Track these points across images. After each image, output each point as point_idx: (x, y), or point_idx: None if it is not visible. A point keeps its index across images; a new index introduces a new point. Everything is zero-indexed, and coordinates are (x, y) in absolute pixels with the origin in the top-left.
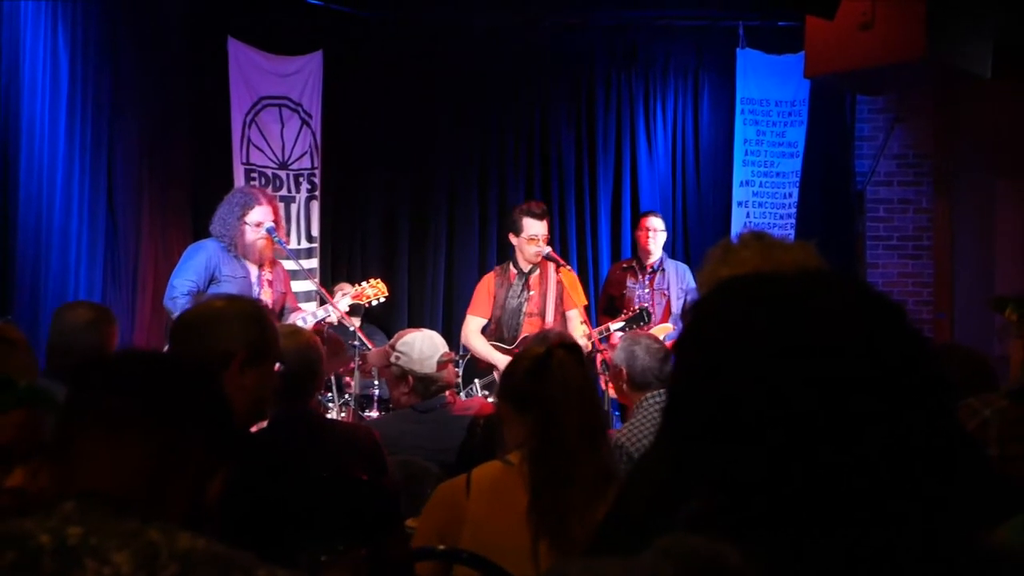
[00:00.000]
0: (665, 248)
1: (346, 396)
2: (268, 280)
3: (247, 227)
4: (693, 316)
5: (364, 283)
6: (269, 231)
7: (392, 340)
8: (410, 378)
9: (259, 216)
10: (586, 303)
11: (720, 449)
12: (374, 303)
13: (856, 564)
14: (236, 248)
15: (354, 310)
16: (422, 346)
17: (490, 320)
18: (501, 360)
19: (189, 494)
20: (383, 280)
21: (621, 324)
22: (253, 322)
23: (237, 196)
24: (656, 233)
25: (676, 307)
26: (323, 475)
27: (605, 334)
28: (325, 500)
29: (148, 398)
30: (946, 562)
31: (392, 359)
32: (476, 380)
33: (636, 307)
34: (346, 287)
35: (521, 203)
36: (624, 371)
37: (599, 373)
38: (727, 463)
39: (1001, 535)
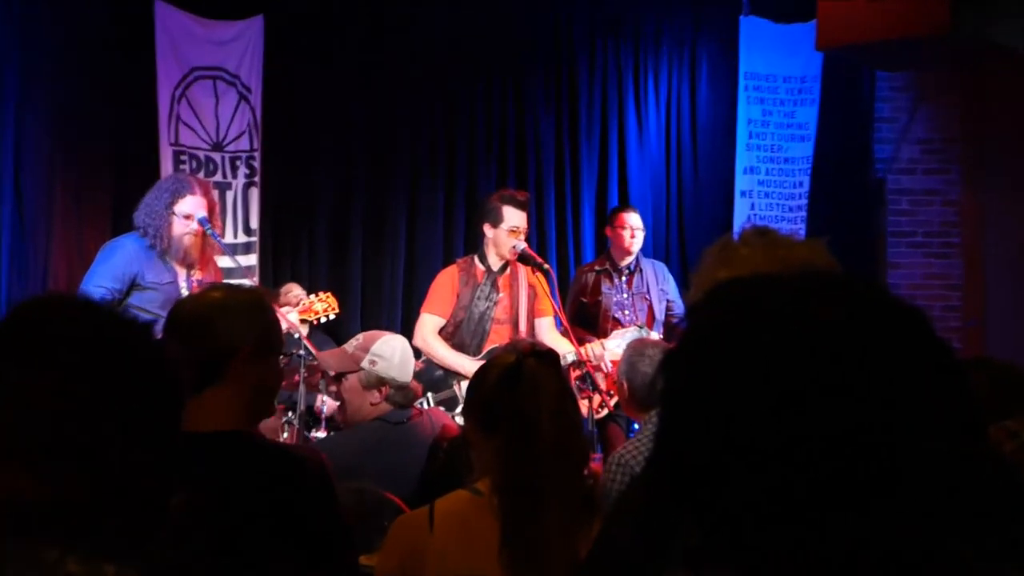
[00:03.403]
0: (657, 245)
1: (288, 414)
2: (197, 282)
3: (175, 218)
4: (686, 329)
5: (312, 296)
6: (201, 221)
7: (359, 343)
8: (386, 387)
9: (189, 207)
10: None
11: (718, 479)
12: (323, 320)
13: None
14: (161, 242)
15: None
16: (404, 351)
17: (449, 322)
18: (471, 369)
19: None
20: (333, 281)
21: (618, 341)
22: (258, 313)
23: (168, 182)
24: (638, 232)
25: (659, 311)
26: (265, 506)
27: (599, 349)
28: (268, 535)
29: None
30: None
31: (365, 364)
32: (430, 394)
33: (633, 323)
34: (295, 288)
35: (496, 190)
36: (626, 386)
37: (579, 388)
38: (726, 494)
39: None
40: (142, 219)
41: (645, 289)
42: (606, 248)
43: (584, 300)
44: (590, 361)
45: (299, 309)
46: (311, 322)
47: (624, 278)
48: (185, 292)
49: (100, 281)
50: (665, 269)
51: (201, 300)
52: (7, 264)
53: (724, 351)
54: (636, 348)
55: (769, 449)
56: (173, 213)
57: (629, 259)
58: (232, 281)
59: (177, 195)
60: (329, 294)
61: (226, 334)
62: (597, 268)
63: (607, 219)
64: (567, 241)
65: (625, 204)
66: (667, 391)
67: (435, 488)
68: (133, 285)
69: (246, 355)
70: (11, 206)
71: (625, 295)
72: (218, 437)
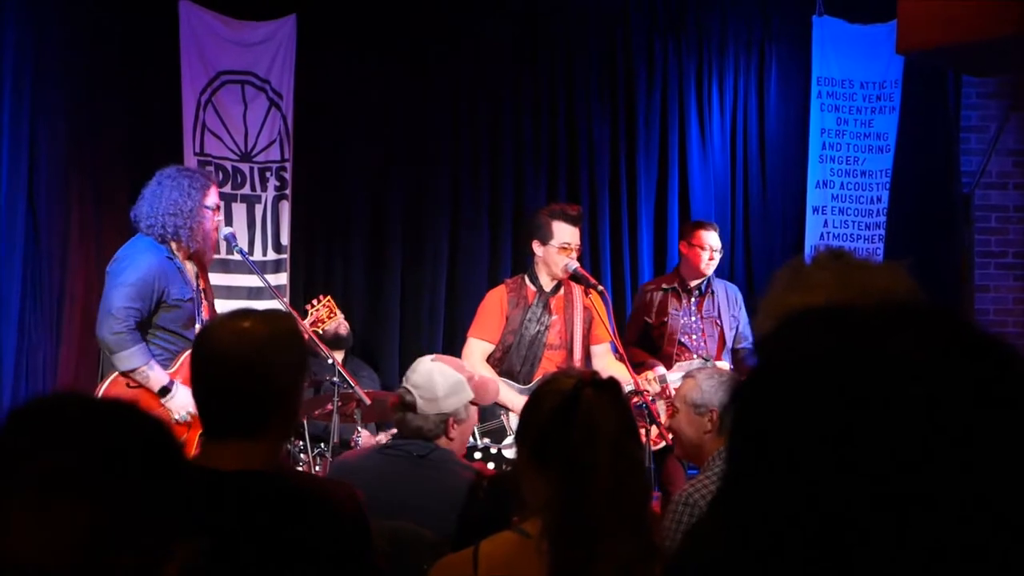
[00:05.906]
0: (720, 266)
1: (321, 446)
2: (204, 291)
3: (207, 212)
4: (758, 363)
5: (316, 304)
6: (228, 238)
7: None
8: None
9: (215, 198)
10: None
11: (792, 524)
12: (329, 329)
13: None
14: (195, 243)
15: (333, 343)
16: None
17: (497, 347)
18: (518, 401)
19: (139, 571)
20: (369, 301)
21: (679, 375)
22: (303, 346)
23: (184, 179)
24: (716, 253)
25: (730, 339)
26: (291, 552)
27: (661, 383)
28: None
29: (91, 455)
30: None
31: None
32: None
33: (700, 351)
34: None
35: (546, 205)
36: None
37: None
38: (803, 543)
39: None
40: (171, 222)
41: (716, 313)
42: (676, 264)
43: (648, 320)
44: (647, 391)
45: (309, 323)
46: (319, 333)
47: (694, 300)
48: (198, 304)
49: (131, 301)
50: (738, 293)
51: (245, 335)
52: (20, 278)
53: (795, 392)
54: (693, 375)
55: (848, 497)
56: (205, 207)
57: (700, 279)
58: (258, 303)
59: (204, 188)
60: (328, 297)
61: (279, 378)
62: (665, 286)
63: (682, 233)
64: (623, 260)
65: (703, 220)
66: (738, 426)
67: (476, 529)
68: (160, 304)
69: (296, 398)
70: (24, 223)
71: (694, 318)
72: (242, 477)
